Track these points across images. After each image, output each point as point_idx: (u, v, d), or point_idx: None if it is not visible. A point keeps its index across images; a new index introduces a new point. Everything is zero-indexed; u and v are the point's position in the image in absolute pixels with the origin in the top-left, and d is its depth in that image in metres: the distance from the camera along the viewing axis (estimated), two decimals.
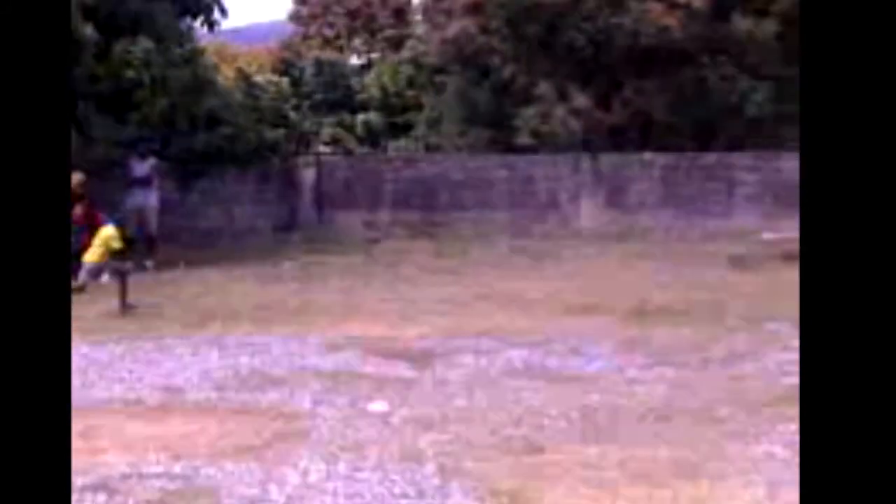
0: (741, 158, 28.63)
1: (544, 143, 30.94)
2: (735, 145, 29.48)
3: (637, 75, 30.60)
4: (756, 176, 28.15)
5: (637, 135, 30.56)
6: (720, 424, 8.48)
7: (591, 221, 28.86)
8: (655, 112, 30.11)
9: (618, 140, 30.51)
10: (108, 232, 16.93)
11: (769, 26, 30.00)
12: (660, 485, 6.92)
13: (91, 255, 16.87)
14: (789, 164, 28.17)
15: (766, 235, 23.54)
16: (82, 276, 16.67)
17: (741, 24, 30.18)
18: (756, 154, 28.79)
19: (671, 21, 29.67)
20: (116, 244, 16.72)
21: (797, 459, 7.37)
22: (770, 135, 30.17)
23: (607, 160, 29.57)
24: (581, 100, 30.24)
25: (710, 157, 28.83)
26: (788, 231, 26.51)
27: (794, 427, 8.22)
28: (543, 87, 30.94)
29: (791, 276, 18.49)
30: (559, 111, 30.35)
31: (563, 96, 30.74)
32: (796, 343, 11.93)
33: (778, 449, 7.71)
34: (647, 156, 29.32)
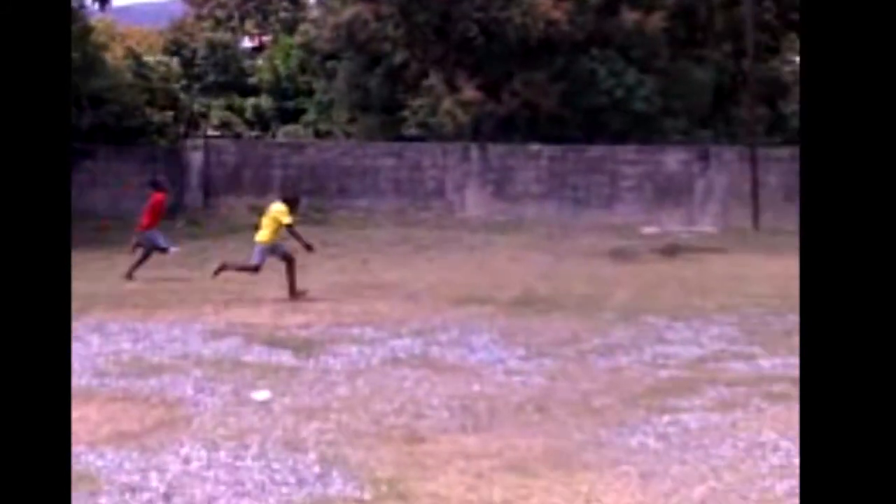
0: (625, 152, 29.06)
1: (433, 132, 31.07)
2: (620, 138, 29.91)
3: (527, 67, 30.89)
4: (638, 169, 28.60)
5: (525, 126, 30.84)
6: (596, 415, 8.67)
7: (478, 211, 29.09)
8: (543, 104, 30.42)
9: (506, 131, 30.77)
10: (278, 208, 15.92)
11: (656, 20, 30.50)
12: (535, 475, 7.08)
13: (263, 235, 15.87)
14: (671, 158, 28.70)
15: (646, 229, 23.98)
16: (256, 256, 15.87)
17: (629, 17, 30.64)
18: (639, 148, 29.25)
19: (559, 14, 30.00)
20: (286, 219, 15.71)
21: (669, 451, 7.62)
22: (655, 129, 30.69)
23: (495, 150, 29.81)
24: (470, 90, 30.43)
25: (596, 150, 29.21)
26: (668, 225, 27.03)
27: (668, 418, 8.47)
28: (434, 78, 31.07)
29: (669, 270, 18.93)
30: (448, 101, 30.51)
31: (452, 87, 30.91)
32: (671, 336, 12.26)
33: (651, 441, 7.91)
34: (535, 147, 29.63)
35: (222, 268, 16.47)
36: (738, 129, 30.90)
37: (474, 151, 29.96)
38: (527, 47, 30.69)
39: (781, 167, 27.86)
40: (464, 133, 30.56)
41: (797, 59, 35.36)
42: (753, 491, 6.77)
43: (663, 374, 10.30)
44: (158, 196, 18.04)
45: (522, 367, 10.56)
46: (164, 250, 17.92)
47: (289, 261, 15.55)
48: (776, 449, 7.67)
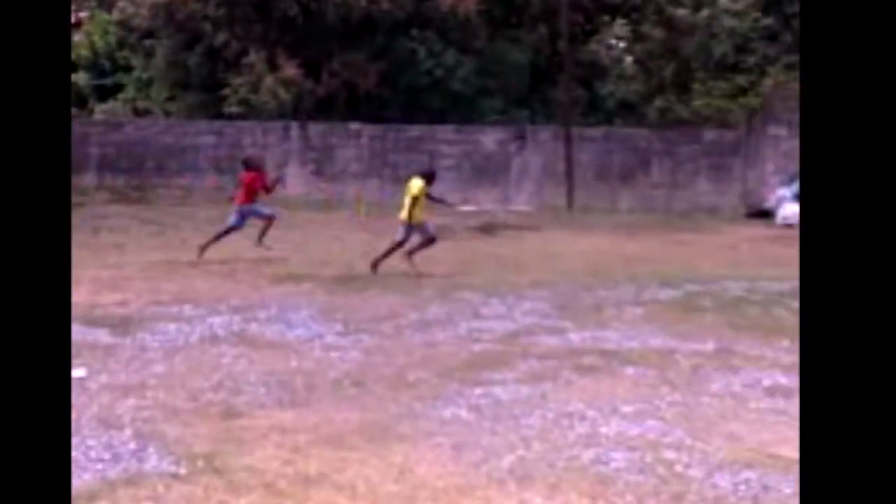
0: (444, 131, 29.37)
1: (254, 110, 30.91)
2: (439, 118, 30.21)
3: (347, 46, 30.95)
4: (457, 149, 28.96)
5: (345, 105, 30.92)
6: (411, 389, 8.88)
7: (298, 189, 29.07)
8: (363, 83, 30.54)
9: (327, 110, 30.80)
10: (418, 184, 15.99)
11: (471, 2, 30.87)
12: (351, 448, 7.24)
13: (406, 213, 15.99)
14: (488, 138, 29.15)
15: (464, 207, 24.34)
16: (415, 237, 16.05)
17: None
18: (457, 127, 29.59)
19: None
20: (415, 191, 15.93)
21: (481, 422, 7.87)
22: (473, 109, 31.09)
23: (316, 129, 29.83)
24: (291, 69, 30.36)
25: (416, 130, 29.46)
26: (485, 203, 27.47)
27: (480, 391, 8.73)
28: (254, 56, 30.88)
29: (485, 248, 19.30)
30: (269, 80, 30.38)
31: (273, 65, 30.78)
32: (486, 311, 12.56)
33: (464, 412, 8.15)
34: (355, 126, 29.75)
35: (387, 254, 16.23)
36: (555, 109, 31.51)
37: (294, 130, 29.92)
38: (347, 26, 30.75)
39: (595, 147, 28.56)
40: (285, 111, 30.47)
41: (614, 41, 36.18)
42: (560, 459, 7.05)
43: (477, 348, 10.58)
44: (250, 175, 17.75)
45: (340, 343, 10.71)
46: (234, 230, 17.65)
47: (431, 240, 16.00)
48: (583, 419, 7.98)
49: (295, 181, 29.44)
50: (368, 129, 29.75)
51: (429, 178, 16.23)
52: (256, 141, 29.95)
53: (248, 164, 18.15)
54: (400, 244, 15.97)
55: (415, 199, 15.85)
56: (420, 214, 15.94)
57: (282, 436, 7.45)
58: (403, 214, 15.99)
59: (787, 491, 6.46)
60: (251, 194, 17.62)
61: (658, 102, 31.03)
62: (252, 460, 6.87)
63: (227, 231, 17.51)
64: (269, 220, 17.67)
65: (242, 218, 17.53)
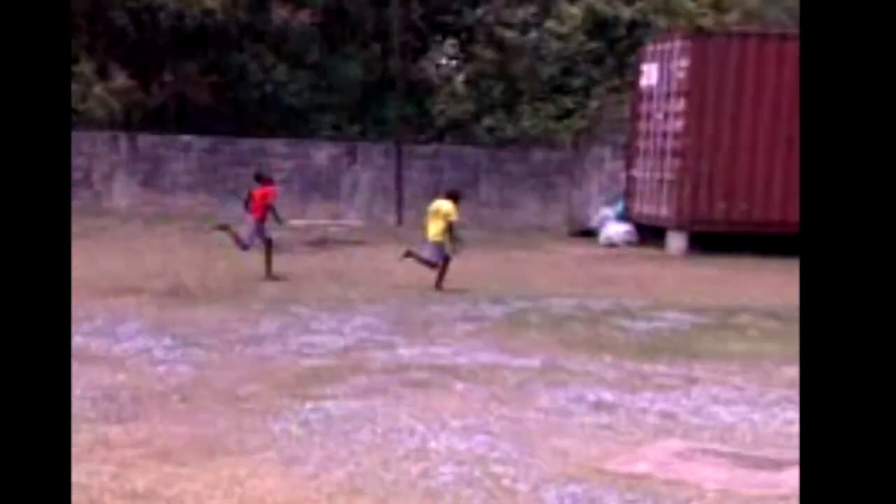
0: (275, 145, 29.24)
1: (83, 119, 30.30)
2: (271, 132, 30.09)
3: (179, 58, 30.60)
4: (289, 163, 28.85)
5: (176, 117, 30.55)
6: (242, 403, 8.86)
7: (126, 201, 28.61)
8: (195, 95, 30.23)
9: (157, 121, 30.38)
10: (446, 206, 16.34)
11: (305, 17, 30.88)
12: (180, 463, 7.20)
13: (435, 234, 16.34)
14: (320, 153, 29.14)
15: (296, 222, 24.26)
16: (436, 254, 16.28)
17: (279, 13, 30.88)
18: (289, 142, 29.49)
19: (215, 4, 29.89)
20: (454, 217, 16.32)
21: (312, 437, 7.90)
22: (305, 124, 31.05)
23: (145, 140, 29.39)
24: (121, 79, 29.87)
25: (247, 143, 29.26)
26: (316, 218, 27.44)
27: (311, 405, 8.75)
28: (84, 65, 30.28)
29: (317, 262, 19.29)
30: (98, 89, 29.83)
31: (103, 74, 30.24)
32: (317, 326, 12.59)
33: (294, 427, 8.17)
34: (186, 138, 29.40)
35: (409, 255, 16.70)
36: (387, 126, 31.67)
37: (123, 141, 29.43)
38: (180, 38, 30.41)
39: (424, 164, 28.79)
40: (115, 121, 29.95)
41: (444, 60, 36.53)
42: (390, 473, 7.12)
43: (308, 362, 10.59)
44: (267, 190, 17.52)
45: (169, 357, 10.61)
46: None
47: (446, 260, 16.12)
48: (412, 433, 8.07)
49: (122, 193, 28.96)
50: (199, 142, 29.43)
51: (456, 198, 16.70)
52: (83, 150, 29.34)
53: (261, 178, 18.16)
54: (447, 262, 16.30)
55: (451, 223, 16.28)
56: (447, 235, 16.35)
57: (108, 451, 7.37)
58: (433, 236, 16.40)
59: None
60: (264, 210, 17.36)
61: (487, 121, 31.41)
62: (77, 476, 6.74)
63: (268, 246, 17.15)
64: (269, 244, 17.31)
65: (260, 233, 17.32)
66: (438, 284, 16.06)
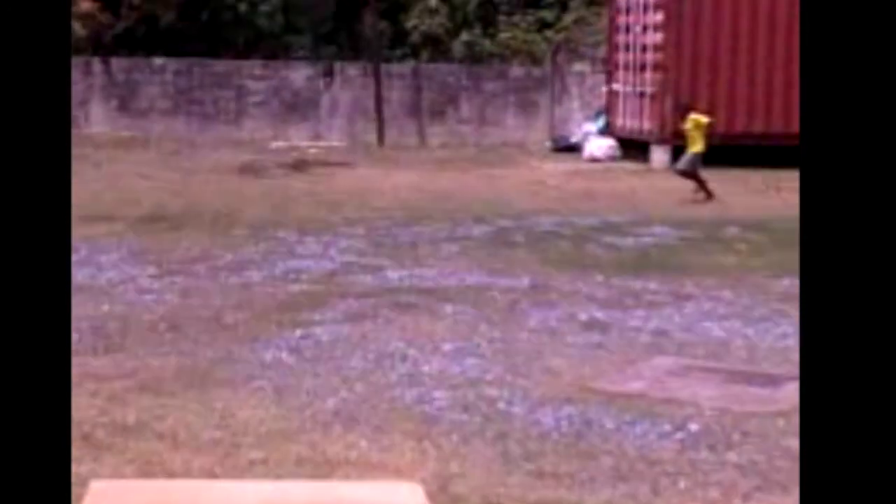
0: (251, 67, 28.91)
1: None
2: (245, 54, 29.76)
3: None
4: (265, 85, 28.53)
5: (146, 39, 30.14)
6: (229, 332, 8.74)
7: (102, 127, 28.28)
8: (164, 16, 29.82)
9: (128, 44, 29.99)
10: (696, 117, 17.72)
11: None
12: (170, 394, 7.11)
13: (697, 146, 17.54)
14: (297, 74, 28.82)
15: (275, 144, 24.05)
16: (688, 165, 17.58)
17: None
18: (265, 63, 29.16)
19: None
20: (705, 119, 17.87)
21: (302, 364, 7.80)
22: (279, 45, 30.72)
23: (118, 64, 28.99)
24: (87, 3, 29.40)
25: (222, 65, 28.91)
26: (296, 140, 27.21)
27: (300, 332, 8.64)
28: None
29: (298, 185, 19.12)
30: None
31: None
32: (302, 250, 12.45)
33: (284, 355, 8.06)
34: (159, 61, 29.01)
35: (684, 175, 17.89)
36: (362, 45, 31.32)
37: (97, 66, 29.02)
38: None
39: (403, 83, 28.50)
40: (83, 47, 29.51)
41: None
42: (384, 400, 7.05)
43: (295, 288, 10.47)
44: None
45: (153, 286, 10.46)
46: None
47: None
48: (404, 358, 7.99)
49: (98, 118, 28.61)
50: (173, 64, 29.01)
51: (691, 109, 18.44)
52: None
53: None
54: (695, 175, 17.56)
55: (702, 128, 17.69)
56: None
57: (97, 383, 7.25)
58: (694, 147, 17.58)
59: (610, 426, 6.58)
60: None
61: (464, 36, 31.10)
62: None
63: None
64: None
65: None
66: (708, 193, 17.19)
